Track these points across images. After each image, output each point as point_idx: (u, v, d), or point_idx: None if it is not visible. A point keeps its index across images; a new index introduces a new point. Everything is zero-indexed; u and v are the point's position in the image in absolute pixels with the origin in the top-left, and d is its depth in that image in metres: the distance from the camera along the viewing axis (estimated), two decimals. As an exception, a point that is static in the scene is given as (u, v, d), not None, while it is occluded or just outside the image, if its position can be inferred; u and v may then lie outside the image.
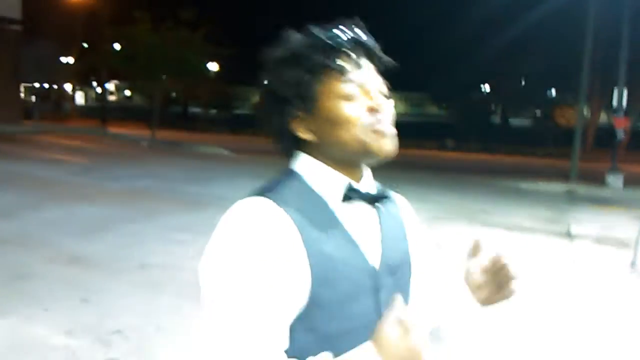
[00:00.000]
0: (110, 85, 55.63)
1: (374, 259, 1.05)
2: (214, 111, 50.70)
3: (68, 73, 43.07)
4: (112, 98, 56.55)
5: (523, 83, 38.04)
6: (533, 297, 5.45)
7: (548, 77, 34.35)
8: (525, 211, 10.92)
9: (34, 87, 41.88)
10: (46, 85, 45.47)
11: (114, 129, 27.54)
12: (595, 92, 29.00)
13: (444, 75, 38.23)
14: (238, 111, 51.97)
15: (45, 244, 6.30)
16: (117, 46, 25.44)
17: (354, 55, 1.03)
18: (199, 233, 7.32)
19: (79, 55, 39.73)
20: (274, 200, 0.97)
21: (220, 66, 38.64)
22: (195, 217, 8.18)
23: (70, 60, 42.15)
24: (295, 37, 1.05)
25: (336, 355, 0.94)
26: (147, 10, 23.00)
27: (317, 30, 1.04)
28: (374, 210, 1.10)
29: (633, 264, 6.81)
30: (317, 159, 1.06)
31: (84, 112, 45.91)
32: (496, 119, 44.97)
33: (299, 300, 0.94)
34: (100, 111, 34.96)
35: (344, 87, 1.01)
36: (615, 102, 17.49)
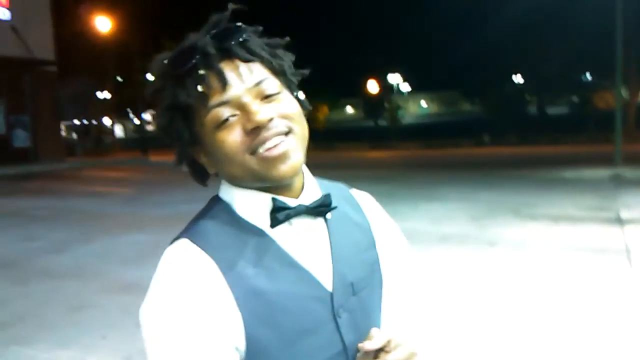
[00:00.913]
0: (147, 116, 56.86)
1: (327, 280, 0.93)
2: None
3: (105, 107, 44.31)
4: (150, 128, 57.80)
5: (556, 69, 37.29)
6: (585, 288, 5.34)
7: (581, 61, 33.62)
8: (571, 200, 10.67)
9: (74, 124, 43.21)
10: (85, 122, 46.87)
11: (154, 158, 28.11)
12: (631, 72, 28.19)
13: (474, 69, 37.80)
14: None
15: (98, 275, 6.47)
16: (149, 76, 26.13)
17: (218, 70, 0.87)
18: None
19: (114, 88, 40.85)
20: (195, 242, 0.87)
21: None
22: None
23: (107, 94, 43.35)
24: (155, 65, 0.94)
25: None
26: (174, 38, 23.58)
27: (166, 60, 0.91)
28: (321, 223, 0.97)
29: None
30: (238, 186, 0.94)
31: (124, 144, 47.01)
32: (532, 109, 44.11)
33: (230, 348, 0.84)
34: (139, 142, 35.75)
35: (213, 115, 0.87)
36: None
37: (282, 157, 0.87)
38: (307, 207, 0.93)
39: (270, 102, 0.89)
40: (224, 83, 0.86)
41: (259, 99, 0.88)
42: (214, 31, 0.90)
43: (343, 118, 48.85)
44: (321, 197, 0.95)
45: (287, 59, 0.96)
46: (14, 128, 23.66)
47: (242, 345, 0.85)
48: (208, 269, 0.85)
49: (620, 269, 5.97)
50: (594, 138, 29.16)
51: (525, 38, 33.75)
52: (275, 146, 0.87)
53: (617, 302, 4.95)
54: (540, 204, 10.40)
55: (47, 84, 24.12)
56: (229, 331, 0.83)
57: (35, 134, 23.98)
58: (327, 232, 0.97)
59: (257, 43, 0.92)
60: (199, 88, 0.87)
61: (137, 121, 48.45)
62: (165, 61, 0.91)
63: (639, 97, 32.23)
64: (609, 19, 17.33)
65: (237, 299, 0.84)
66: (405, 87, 56.55)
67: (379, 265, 1.04)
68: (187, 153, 0.96)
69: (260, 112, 0.86)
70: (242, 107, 0.87)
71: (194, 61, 0.87)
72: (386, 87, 50.47)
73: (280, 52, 0.95)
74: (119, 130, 60.49)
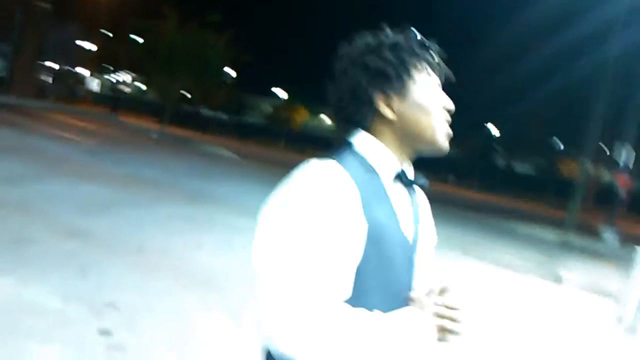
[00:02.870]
0: (127, 77, 55.95)
1: (409, 235, 1.19)
2: (225, 116, 50.94)
3: (87, 59, 43.40)
4: (126, 89, 56.87)
5: (529, 129, 38.26)
6: (517, 336, 5.54)
7: (555, 126, 34.55)
8: (518, 251, 11.01)
9: (52, 67, 42.20)
10: (64, 68, 45.80)
11: (125, 119, 27.71)
12: (601, 149, 29.09)
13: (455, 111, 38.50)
14: (248, 119, 52.28)
15: (46, 214, 6.39)
16: (139, 39, 25.74)
17: (437, 59, 1.20)
18: (198, 225, 7.44)
19: (101, 42, 40.09)
20: (342, 165, 1.08)
21: (237, 73, 38.97)
22: (195, 210, 8.29)
23: (92, 47, 42.50)
24: (392, 33, 1.19)
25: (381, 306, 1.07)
26: (175, 8, 23.34)
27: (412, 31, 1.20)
28: (410, 196, 1.24)
29: (620, 319, 6.82)
30: (377, 136, 1.18)
31: (97, 99, 46.15)
32: (500, 161, 45.12)
33: (356, 253, 1.05)
34: (112, 99, 35.16)
35: (432, 80, 1.18)
36: (618, 158, 17.56)
37: (449, 138, 1.20)
38: (412, 181, 1.22)
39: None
40: (440, 70, 1.21)
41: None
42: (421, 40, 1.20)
43: (320, 126, 49.03)
44: (422, 177, 1.24)
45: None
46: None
47: (360, 254, 1.05)
48: (351, 188, 1.06)
49: (551, 324, 6.21)
50: (552, 202, 30.00)
51: (504, 92, 34.53)
52: (449, 129, 1.19)
53: (542, 355, 5.16)
54: (489, 248, 10.70)
55: (37, 21, 23.64)
56: (357, 241, 1.04)
57: (12, 66, 23.40)
58: (411, 202, 1.24)
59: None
60: (433, 57, 1.19)
61: (115, 79, 47.67)
62: (414, 40, 1.19)
63: (603, 174, 33.32)
64: (591, 91, 17.90)
65: (366, 216, 1.06)
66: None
67: (429, 245, 1.32)
68: (371, 94, 1.16)
69: (451, 105, 1.20)
70: (442, 93, 1.20)
71: (432, 46, 1.20)
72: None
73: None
74: (95, 85, 59.26)
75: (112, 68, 49.30)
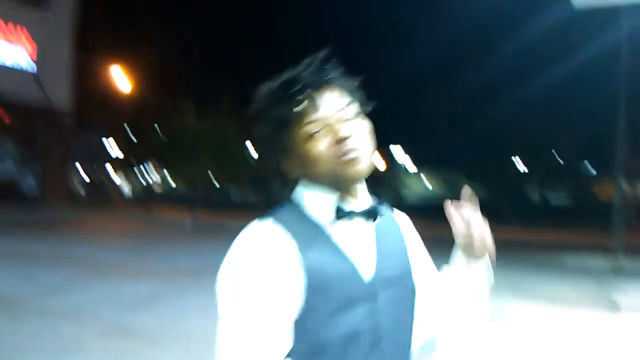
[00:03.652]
0: (156, 175, 57.44)
1: (368, 273, 1.15)
2: (253, 196, 51.44)
3: (115, 163, 44.82)
4: (158, 189, 58.30)
5: (559, 159, 37.85)
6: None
7: (584, 152, 34.20)
8: (570, 284, 10.68)
9: (82, 176, 43.63)
10: (94, 174, 47.30)
11: (158, 213, 28.27)
12: (633, 165, 28.58)
13: (477, 151, 38.29)
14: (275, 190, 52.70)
15: (95, 319, 6.51)
16: (162, 136, 26.67)
17: (311, 97, 1.15)
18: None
19: (126, 146, 41.45)
20: (277, 223, 1.12)
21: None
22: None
23: (119, 153, 43.97)
24: (261, 93, 1.20)
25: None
26: (190, 99, 24.29)
27: (276, 81, 1.18)
28: (371, 226, 1.21)
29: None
30: (309, 186, 1.20)
31: (130, 199, 47.24)
32: (534, 195, 44.38)
33: (293, 307, 1.07)
34: (144, 198, 36.02)
35: (306, 129, 1.14)
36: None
37: (357, 161, 1.14)
38: (361, 211, 1.19)
39: (349, 122, 1.16)
40: (316, 106, 1.15)
41: (343, 120, 1.16)
42: (310, 68, 1.17)
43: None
44: (373, 205, 1.22)
45: (359, 92, 1.24)
46: (23, 173, 24.05)
47: (299, 305, 1.07)
48: (286, 242, 1.09)
49: (614, 355, 5.98)
50: (594, 228, 29.21)
51: (529, 125, 34.38)
52: (354, 152, 1.14)
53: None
54: (539, 285, 10.41)
55: (61, 135, 24.71)
56: (295, 293, 1.07)
57: (43, 182, 24.32)
58: (373, 233, 1.21)
59: (342, 78, 1.21)
60: (297, 109, 1.14)
61: (144, 181, 48.95)
62: (273, 88, 1.18)
63: (638, 193, 32.58)
64: (612, 111, 17.78)
65: (304, 268, 1.08)
66: (411, 167, 57.14)
67: (411, 275, 1.27)
68: (274, 161, 1.21)
69: (343, 128, 1.14)
70: (329, 125, 1.15)
71: (296, 88, 1.15)
72: (392, 164, 51.05)
73: (355, 86, 1.23)
74: (126, 187, 60.90)
75: (140, 168, 50.71)
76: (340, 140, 1.13)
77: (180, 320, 6.61)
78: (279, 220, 1.13)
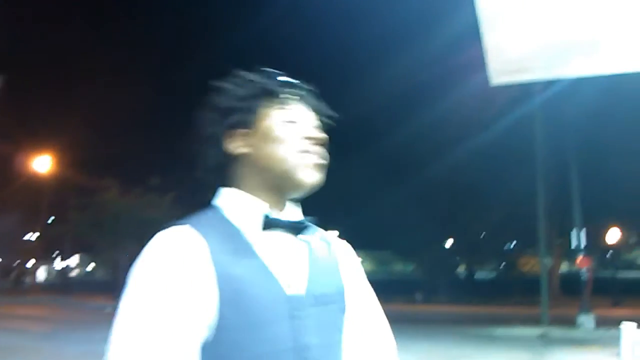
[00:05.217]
0: (74, 260, 54.76)
1: (294, 288, 1.04)
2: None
3: (31, 249, 42.47)
4: (74, 273, 55.48)
5: (482, 237, 39.10)
6: None
7: (506, 229, 35.47)
8: (503, 354, 10.73)
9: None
10: (8, 261, 44.51)
11: (77, 299, 26.69)
12: (554, 239, 29.89)
13: (406, 232, 39.06)
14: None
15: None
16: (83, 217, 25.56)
17: (296, 94, 1.12)
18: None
19: (44, 229, 39.56)
20: (190, 225, 1.00)
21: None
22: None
23: (34, 236, 41.82)
24: (242, 73, 1.14)
25: None
26: (115, 178, 23.67)
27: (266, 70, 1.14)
28: (302, 243, 1.11)
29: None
30: (241, 186, 1.09)
31: (45, 288, 44.52)
32: (462, 271, 45.34)
33: (203, 324, 0.94)
34: (61, 285, 34.11)
35: (285, 113, 1.09)
36: (574, 244, 18.07)
37: (319, 168, 1.09)
38: (291, 221, 1.09)
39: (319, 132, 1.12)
40: (300, 97, 1.13)
41: (315, 127, 1.12)
42: (279, 78, 1.13)
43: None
44: (302, 219, 1.12)
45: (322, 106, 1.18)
46: None
47: (212, 320, 0.95)
48: (200, 249, 0.97)
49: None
50: (520, 301, 29.95)
51: (453, 207, 35.51)
52: (319, 158, 1.09)
53: None
54: (475, 357, 10.38)
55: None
56: (206, 305, 0.94)
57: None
58: (305, 251, 1.11)
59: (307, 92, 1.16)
60: (288, 90, 1.12)
61: (60, 265, 46.55)
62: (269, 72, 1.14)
63: (560, 264, 33.90)
64: (531, 190, 18.65)
65: (218, 277, 0.96)
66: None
67: (342, 291, 1.15)
68: (220, 134, 1.10)
69: (316, 134, 1.10)
70: (304, 124, 1.10)
71: (293, 84, 1.13)
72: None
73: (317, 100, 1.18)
74: (41, 273, 57.53)
75: (57, 253, 48.27)
76: (310, 138, 1.09)
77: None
78: (195, 225, 1.01)
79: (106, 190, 23.29)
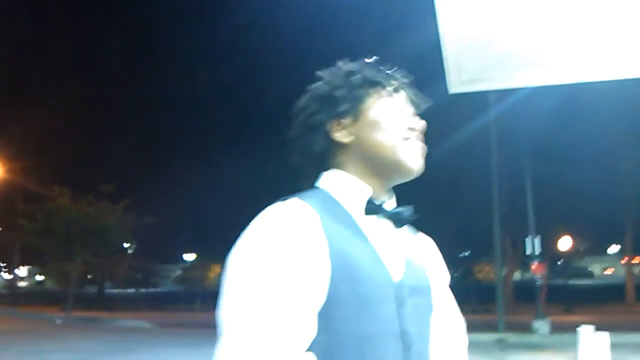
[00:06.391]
0: (22, 271, 53.02)
1: (396, 275, 1.04)
2: (131, 290, 48.61)
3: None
4: (22, 284, 53.70)
5: (438, 244, 39.57)
6: None
7: (462, 238, 36.07)
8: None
9: None
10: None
11: (25, 310, 25.76)
12: (508, 248, 30.50)
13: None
14: (157, 289, 50.12)
15: None
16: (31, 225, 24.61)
17: (399, 85, 1.15)
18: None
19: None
20: (302, 199, 1.01)
21: (138, 242, 38.11)
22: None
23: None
24: (348, 64, 1.17)
25: None
26: (67, 185, 22.95)
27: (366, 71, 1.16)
28: (397, 232, 1.12)
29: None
30: (345, 169, 1.11)
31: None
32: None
33: (318, 294, 0.93)
34: (9, 296, 32.96)
35: (390, 103, 1.12)
36: (528, 250, 18.42)
37: (422, 154, 1.12)
38: (391, 211, 1.10)
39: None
40: (401, 90, 1.15)
41: (416, 116, 1.15)
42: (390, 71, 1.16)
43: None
44: (403, 208, 1.12)
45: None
46: None
47: (324, 293, 0.94)
48: (313, 221, 0.97)
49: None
50: (476, 308, 30.46)
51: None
52: (421, 146, 1.12)
53: None
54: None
55: None
56: (319, 279, 0.93)
57: None
58: (400, 239, 1.12)
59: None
60: (392, 78, 1.15)
61: (8, 275, 44.96)
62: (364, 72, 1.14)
63: (514, 272, 34.65)
64: (485, 199, 18.97)
65: (330, 251, 0.95)
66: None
67: (430, 286, 1.15)
68: (324, 123, 1.12)
69: (418, 124, 1.14)
70: (407, 116, 1.13)
71: (396, 76, 1.16)
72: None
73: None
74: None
75: (3, 264, 46.64)
76: (413, 129, 1.12)
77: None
78: (310, 197, 1.03)
79: (57, 197, 22.52)
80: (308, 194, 1.05)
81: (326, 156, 1.13)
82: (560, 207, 26.55)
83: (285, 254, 0.92)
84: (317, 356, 0.92)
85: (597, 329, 6.40)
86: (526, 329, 16.74)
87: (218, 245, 33.40)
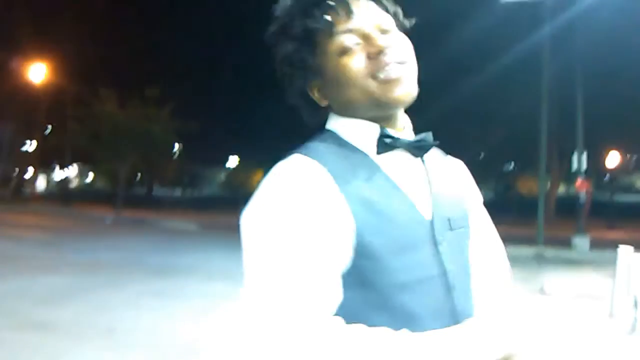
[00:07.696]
0: (73, 170, 55.06)
1: (426, 211, 0.98)
2: (178, 192, 50.29)
3: (29, 158, 42.57)
4: (73, 184, 55.95)
5: (480, 158, 39.13)
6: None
7: (506, 150, 35.45)
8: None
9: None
10: (7, 169, 44.76)
11: (77, 209, 26.99)
12: (553, 162, 29.90)
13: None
14: (203, 193, 51.66)
15: (9, 313, 5.99)
16: (81, 127, 25.30)
17: (344, 2, 0.98)
18: (169, 298, 7.07)
19: (41, 138, 39.48)
20: (308, 155, 0.92)
21: (184, 146, 38.84)
22: (164, 284, 7.92)
23: (33, 145, 41.78)
24: (281, 5, 1.02)
25: (393, 314, 0.89)
26: (113, 88, 23.22)
27: None
28: (421, 163, 1.04)
29: (611, 314, 6.79)
30: (344, 117, 1.02)
31: (45, 197, 45.07)
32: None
33: (343, 251, 0.88)
34: (61, 196, 34.42)
35: (338, 42, 0.97)
36: (575, 166, 18.03)
37: (399, 81, 0.95)
38: (409, 141, 1.00)
39: (387, 34, 0.98)
40: (349, 13, 0.96)
41: (379, 31, 0.97)
42: None
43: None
44: (423, 135, 1.02)
45: (398, 6, 1.06)
46: None
47: (350, 250, 0.88)
48: (323, 178, 0.89)
49: (546, 333, 6.08)
50: (516, 221, 30.46)
51: (452, 125, 35.31)
52: (394, 71, 0.95)
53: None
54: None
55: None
56: (342, 235, 0.87)
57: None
58: (424, 170, 1.03)
59: None
60: (327, 17, 0.96)
61: (60, 175, 46.79)
62: None
63: (558, 186, 34.16)
64: (534, 111, 18.39)
65: (351, 207, 0.89)
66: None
67: (466, 213, 1.10)
68: (301, 87, 1.03)
69: (381, 39, 0.96)
70: (365, 36, 0.96)
71: None
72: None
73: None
74: (40, 183, 58.07)
75: (56, 163, 48.44)
76: (377, 53, 0.95)
77: (101, 313, 6.16)
78: (312, 152, 0.94)
79: (104, 101, 22.90)
80: (317, 142, 0.98)
81: (325, 114, 1.06)
82: (610, 122, 25.59)
83: (298, 216, 0.86)
84: (356, 313, 0.87)
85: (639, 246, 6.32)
86: (566, 244, 16.69)
87: (258, 151, 33.87)
